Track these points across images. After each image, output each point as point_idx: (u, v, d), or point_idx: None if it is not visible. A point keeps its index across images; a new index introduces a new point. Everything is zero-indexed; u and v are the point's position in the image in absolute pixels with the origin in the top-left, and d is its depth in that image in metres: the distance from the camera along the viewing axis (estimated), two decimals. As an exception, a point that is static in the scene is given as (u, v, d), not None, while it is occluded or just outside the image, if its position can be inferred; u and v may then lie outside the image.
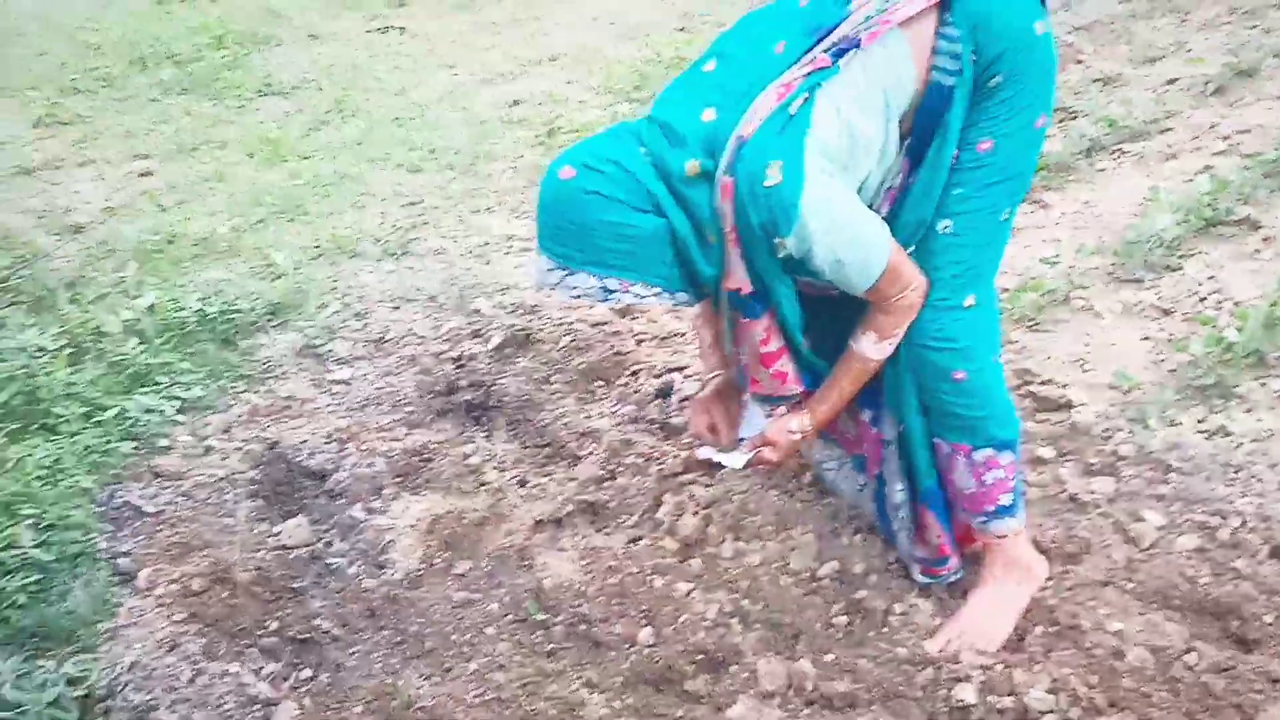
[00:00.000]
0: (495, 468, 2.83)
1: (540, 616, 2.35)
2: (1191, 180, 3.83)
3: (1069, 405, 2.79)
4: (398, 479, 2.83)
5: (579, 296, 1.89)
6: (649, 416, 2.97)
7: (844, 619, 2.27)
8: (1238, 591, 2.19)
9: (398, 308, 3.63)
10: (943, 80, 1.89)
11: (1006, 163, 1.94)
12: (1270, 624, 2.11)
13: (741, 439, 2.31)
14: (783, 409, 2.20)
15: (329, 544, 2.62)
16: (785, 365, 2.08)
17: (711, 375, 2.37)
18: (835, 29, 1.90)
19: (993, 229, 2.00)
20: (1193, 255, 3.39)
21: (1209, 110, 4.47)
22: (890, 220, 1.97)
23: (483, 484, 2.78)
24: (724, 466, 2.30)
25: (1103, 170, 4.08)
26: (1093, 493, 2.49)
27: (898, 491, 2.25)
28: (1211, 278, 3.25)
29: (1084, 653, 2.10)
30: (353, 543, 2.63)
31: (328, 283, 3.80)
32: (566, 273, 1.86)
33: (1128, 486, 2.51)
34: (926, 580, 2.31)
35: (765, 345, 2.04)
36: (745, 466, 2.27)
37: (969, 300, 2.00)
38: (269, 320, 3.55)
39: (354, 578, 2.52)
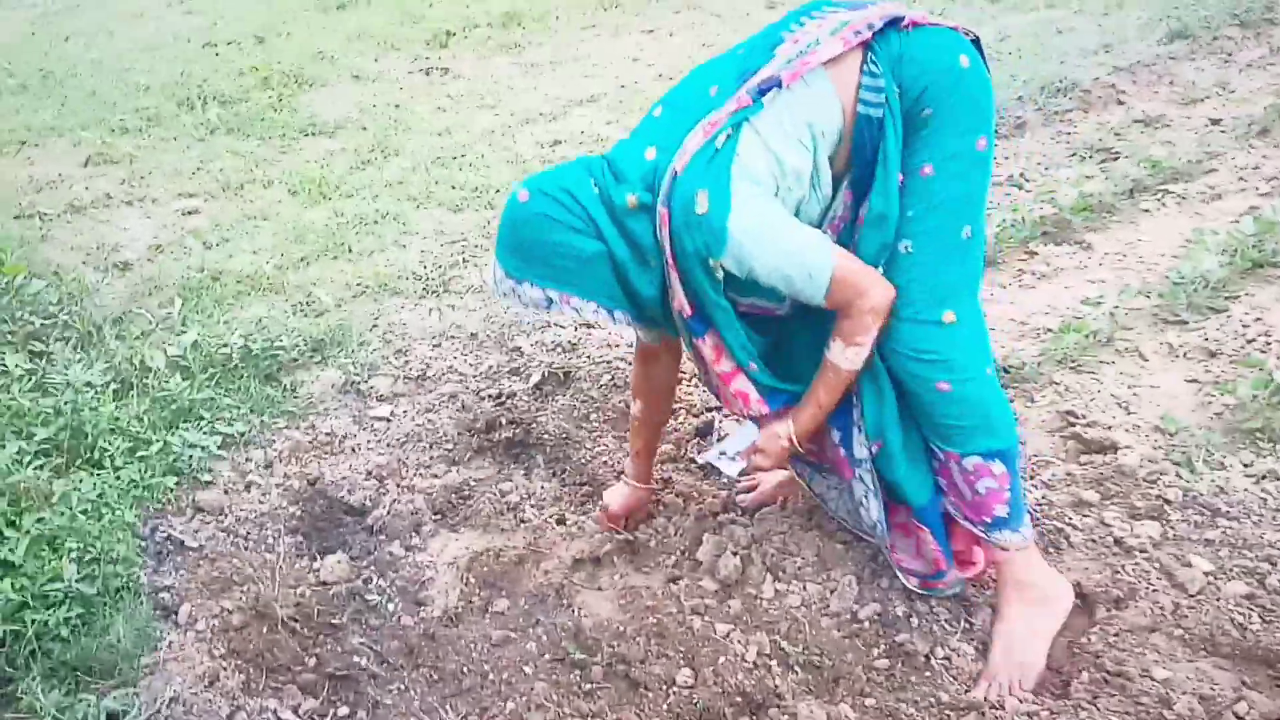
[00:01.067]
0: (534, 506, 2.84)
1: (578, 656, 2.34)
2: (1236, 222, 3.80)
3: (1114, 448, 2.76)
4: (437, 516, 2.84)
5: (526, 305, 2.14)
6: (688, 455, 2.97)
7: (885, 662, 2.24)
8: (1289, 639, 2.14)
9: (438, 345, 3.66)
10: (871, 113, 2.01)
11: (950, 185, 2.02)
12: (1324, 673, 2.07)
13: (736, 454, 2.46)
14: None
15: (368, 581, 2.63)
16: (743, 385, 2.21)
17: (621, 485, 2.68)
18: (759, 71, 2.03)
19: (953, 246, 2.05)
20: (1238, 297, 3.36)
21: (1253, 151, 4.44)
22: (852, 250, 2.08)
23: (521, 522, 2.78)
24: (723, 474, 2.49)
25: (1146, 211, 4.05)
26: (1139, 537, 2.45)
27: (873, 509, 2.29)
28: (1258, 319, 3.22)
29: (1131, 700, 2.06)
30: (391, 580, 2.64)
31: (369, 320, 3.83)
32: (515, 282, 2.12)
33: (1174, 531, 2.47)
34: (924, 593, 2.36)
35: (718, 365, 2.20)
36: (740, 475, 2.39)
37: (947, 316, 2.05)
38: (311, 357, 3.58)
39: (392, 615, 2.53)
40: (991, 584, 2.33)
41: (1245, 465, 2.65)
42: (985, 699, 2.13)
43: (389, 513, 2.84)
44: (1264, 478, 2.61)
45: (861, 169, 2.06)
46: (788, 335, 2.25)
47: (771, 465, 2.33)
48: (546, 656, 2.37)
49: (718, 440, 2.96)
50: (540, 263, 2.09)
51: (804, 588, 2.42)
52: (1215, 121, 4.82)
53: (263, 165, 5.59)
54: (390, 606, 2.55)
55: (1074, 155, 4.71)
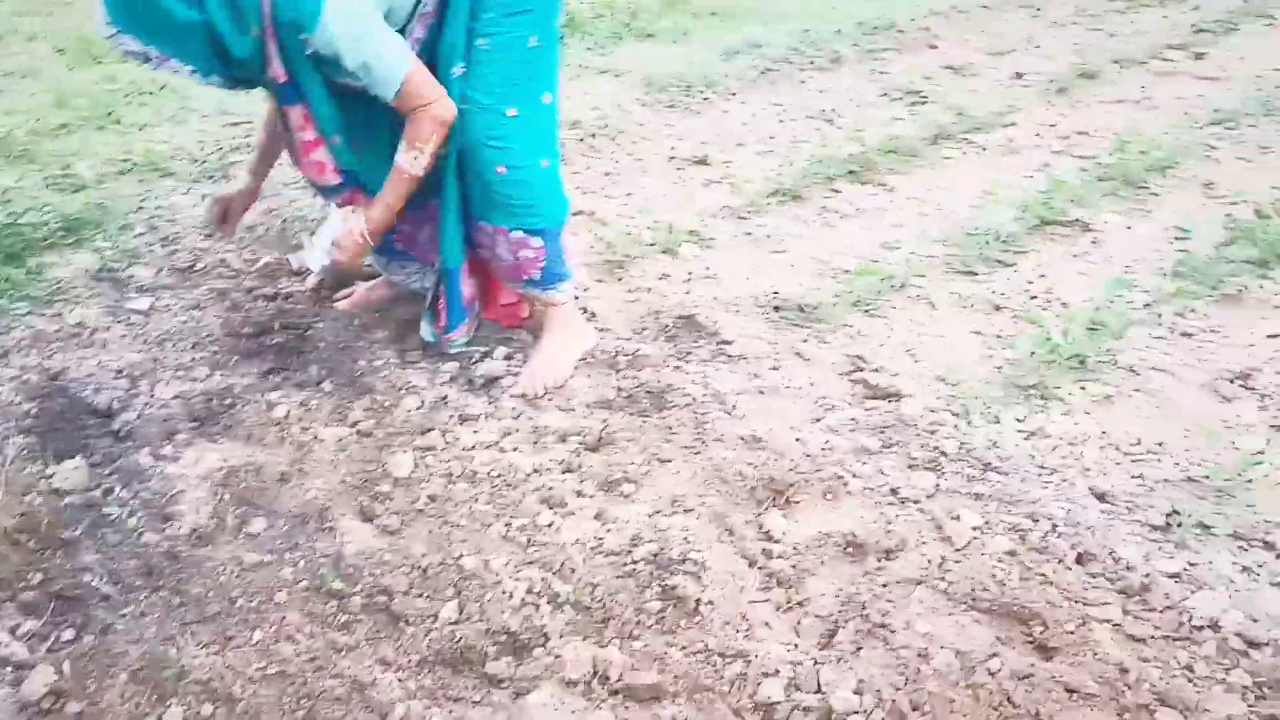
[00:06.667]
0: (302, 419, 2.65)
1: (337, 585, 2.20)
2: (1030, 177, 3.89)
3: (898, 395, 2.78)
4: (194, 424, 2.62)
5: (126, 56, 2.30)
6: (473, 375, 2.83)
7: (657, 605, 2.19)
8: (1043, 597, 2.19)
9: (210, 235, 3.37)
10: None
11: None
12: (1071, 632, 2.12)
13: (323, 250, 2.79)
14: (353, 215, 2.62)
15: (109, 491, 2.40)
16: (322, 155, 2.54)
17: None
18: None
19: (524, 51, 2.49)
20: (1026, 253, 3.44)
21: (1051, 108, 4.57)
22: (436, 36, 2.47)
23: (287, 437, 2.59)
24: (312, 271, 2.94)
25: (948, 158, 4.11)
26: (914, 488, 2.48)
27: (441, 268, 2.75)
28: (1043, 276, 3.30)
29: (893, 653, 2.07)
30: (136, 491, 2.42)
31: (134, 201, 3.51)
32: (117, 32, 2.26)
33: (948, 483, 2.50)
34: (441, 345, 2.84)
35: (303, 132, 2.51)
36: (329, 263, 2.73)
37: (512, 111, 2.52)
38: (63, 237, 3.25)
39: (133, 531, 2.32)
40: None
41: (1018, 421, 2.71)
42: (522, 394, 2.71)
43: (139, 417, 2.60)
44: (1034, 434, 2.67)
45: None
46: (379, 119, 2.51)
47: (350, 257, 2.64)
48: (302, 584, 2.22)
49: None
50: (140, 19, 2.24)
51: (579, 524, 2.35)
52: (1019, 75, 4.92)
53: (27, 16, 5.04)
54: (131, 521, 2.34)
55: (885, 95, 4.73)
